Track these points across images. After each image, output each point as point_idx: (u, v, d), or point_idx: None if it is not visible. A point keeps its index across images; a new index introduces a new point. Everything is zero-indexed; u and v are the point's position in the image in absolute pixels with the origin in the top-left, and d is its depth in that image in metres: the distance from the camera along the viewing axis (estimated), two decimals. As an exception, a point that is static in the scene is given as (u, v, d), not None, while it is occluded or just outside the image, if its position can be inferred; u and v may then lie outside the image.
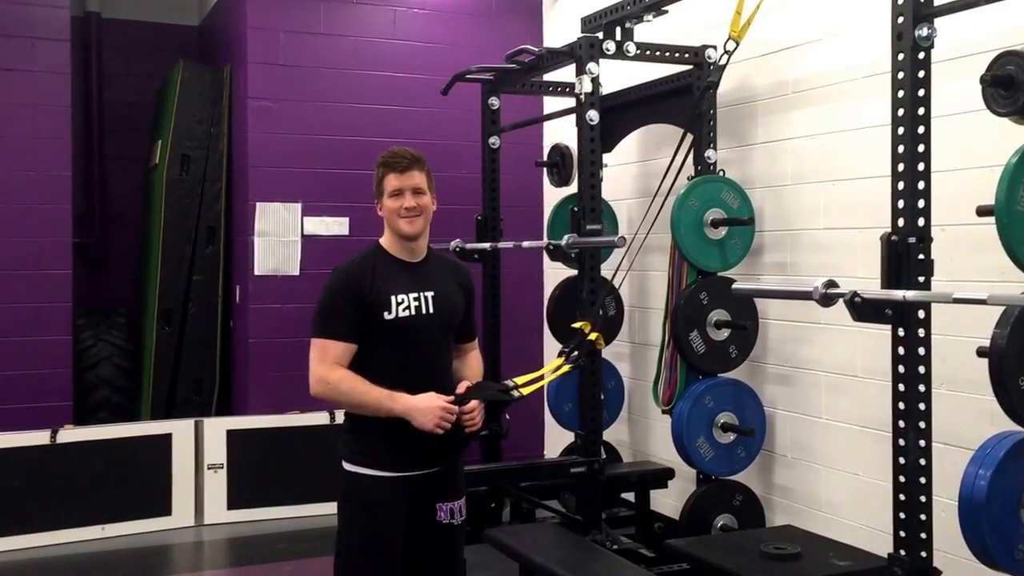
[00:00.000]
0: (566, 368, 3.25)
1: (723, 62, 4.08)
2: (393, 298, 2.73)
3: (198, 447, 5.38)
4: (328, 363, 2.69)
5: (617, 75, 4.74)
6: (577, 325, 3.33)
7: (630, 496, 4.69)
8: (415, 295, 2.77)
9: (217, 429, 5.41)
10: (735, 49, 3.83)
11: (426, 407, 2.67)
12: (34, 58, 5.42)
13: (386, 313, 2.72)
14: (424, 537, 2.81)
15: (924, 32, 2.61)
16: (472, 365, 2.99)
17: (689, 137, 4.22)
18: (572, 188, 4.86)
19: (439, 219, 6.07)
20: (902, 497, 2.65)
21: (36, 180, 5.42)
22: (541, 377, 3.15)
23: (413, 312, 2.75)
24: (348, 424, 2.83)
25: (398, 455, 2.74)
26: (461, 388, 2.78)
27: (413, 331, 2.76)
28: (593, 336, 3.42)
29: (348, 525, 2.79)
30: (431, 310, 2.78)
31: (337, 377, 2.68)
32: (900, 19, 2.64)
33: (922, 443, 2.62)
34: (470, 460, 5.37)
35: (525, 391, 3.01)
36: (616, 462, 5.04)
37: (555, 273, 5.51)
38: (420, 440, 2.71)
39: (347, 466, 2.77)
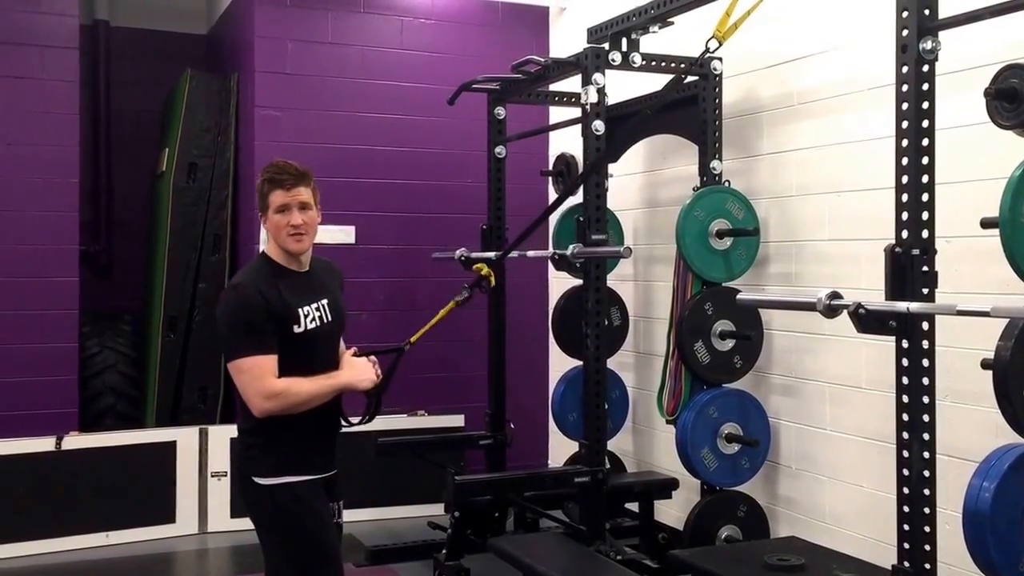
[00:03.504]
0: (451, 305, 3.48)
1: (707, 61, 4.12)
2: (301, 311, 2.76)
3: (202, 454, 5.39)
4: (268, 378, 2.67)
5: (623, 85, 4.76)
6: (481, 268, 3.55)
7: (634, 506, 4.68)
8: (315, 305, 2.82)
9: (221, 437, 5.42)
10: (717, 48, 3.78)
11: (356, 370, 2.84)
12: (43, 66, 5.45)
13: (296, 327, 2.74)
14: None
15: (928, 45, 2.62)
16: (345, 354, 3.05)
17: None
18: (577, 198, 4.87)
19: (445, 228, 6.09)
20: (906, 509, 2.65)
21: (44, 187, 5.44)
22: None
23: (319, 323, 2.81)
24: (263, 438, 2.77)
25: (317, 457, 2.82)
26: (352, 351, 2.93)
27: (320, 341, 2.82)
28: (485, 272, 3.64)
29: (294, 536, 2.75)
30: (330, 318, 2.86)
31: (284, 385, 2.68)
32: (904, 32, 2.65)
33: (926, 455, 2.62)
34: (474, 469, 5.40)
35: (413, 339, 3.20)
36: (620, 472, 5.04)
37: (560, 283, 5.52)
38: (329, 438, 2.88)
39: (269, 480, 2.74)
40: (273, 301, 2.72)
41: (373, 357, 2.94)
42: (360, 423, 2.95)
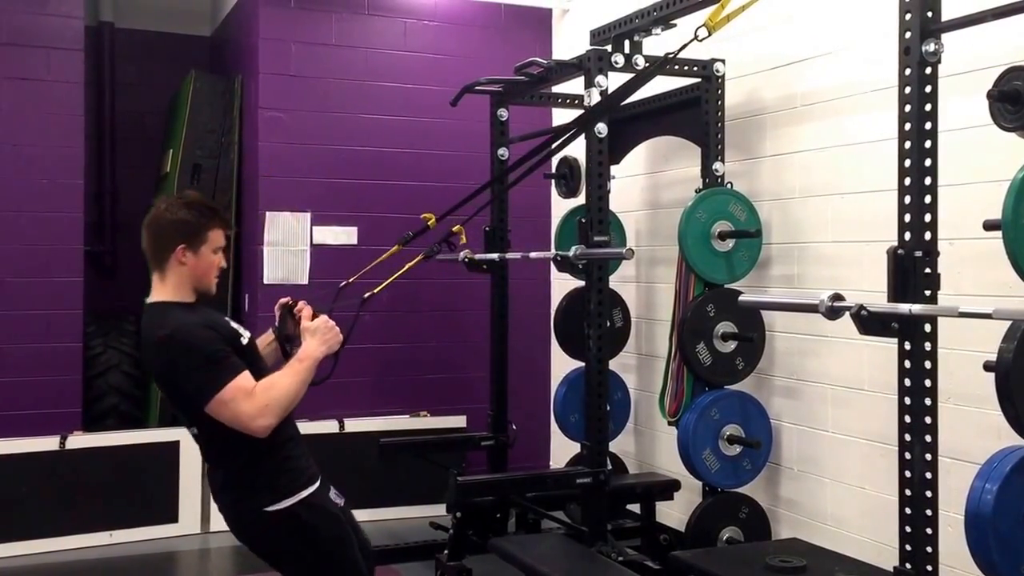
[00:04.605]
0: (419, 258, 3.62)
1: (709, 63, 4.18)
2: (233, 326, 2.82)
3: (205, 455, 5.39)
4: (249, 398, 2.60)
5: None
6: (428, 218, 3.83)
7: (636, 507, 4.68)
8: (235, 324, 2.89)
9: (224, 437, 5.43)
10: (706, 37, 3.75)
11: (320, 336, 2.80)
12: (48, 67, 5.47)
13: (243, 339, 2.78)
14: None
15: (931, 47, 2.62)
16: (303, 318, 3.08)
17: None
18: (580, 199, 4.88)
19: (448, 229, 6.08)
20: (908, 511, 2.65)
21: (48, 189, 5.46)
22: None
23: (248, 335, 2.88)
24: (264, 466, 2.73)
25: (311, 464, 2.84)
26: (308, 312, 2.91)
27: (256, 350, 2.89)
28: (456, 229, 3.91)
29: (326, 546, 2.74)
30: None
31: (264, 393, 2.62)
32: (907, 34, 2.65)
33: (928, 457, 2.62)
34: (476, 470, 5.41)
35: (376, 290, 3.29)
36: (622, 473, 5.04)
37: (562, 284, 5.53)
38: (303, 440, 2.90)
39: (285, 503, 2.70)
40: (216, 327, 2.70)
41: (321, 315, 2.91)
42: (323, 381, 2.89)
